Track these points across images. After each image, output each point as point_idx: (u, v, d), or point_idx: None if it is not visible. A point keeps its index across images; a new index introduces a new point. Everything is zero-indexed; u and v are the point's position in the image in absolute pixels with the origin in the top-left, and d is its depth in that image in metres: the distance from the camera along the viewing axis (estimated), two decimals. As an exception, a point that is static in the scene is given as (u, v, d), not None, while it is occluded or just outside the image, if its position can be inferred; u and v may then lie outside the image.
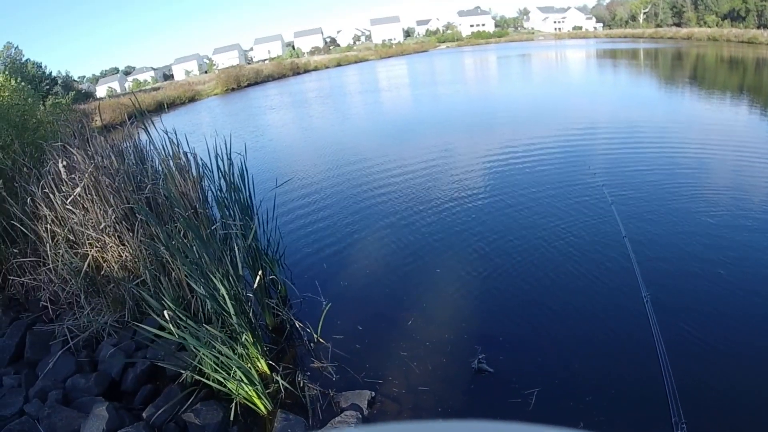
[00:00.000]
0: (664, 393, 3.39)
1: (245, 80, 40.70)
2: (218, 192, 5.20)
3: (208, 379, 3.77)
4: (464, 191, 7.99)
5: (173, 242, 4.62)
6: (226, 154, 5.29)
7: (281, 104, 26.54)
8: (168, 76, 77.92)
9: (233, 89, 38.62)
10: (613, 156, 9.27)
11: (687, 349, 3.85)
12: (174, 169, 5.96)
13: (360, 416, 3.62)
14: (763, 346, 3.78)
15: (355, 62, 56.30)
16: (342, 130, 15.98)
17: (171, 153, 6.31)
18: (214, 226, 4.93)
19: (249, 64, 65.57)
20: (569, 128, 11.84)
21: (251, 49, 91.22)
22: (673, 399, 3.30)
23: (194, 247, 4.50)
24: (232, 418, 3.65)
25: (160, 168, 6.39)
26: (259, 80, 42.28)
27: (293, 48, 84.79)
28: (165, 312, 3.78)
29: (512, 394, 3.62)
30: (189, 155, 6.11)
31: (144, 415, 3.79)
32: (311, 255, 6.23)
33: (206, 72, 68.99)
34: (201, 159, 5.83)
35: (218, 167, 5.24)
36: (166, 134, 6.22)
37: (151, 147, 6.60)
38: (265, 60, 71.85)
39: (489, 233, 6.29)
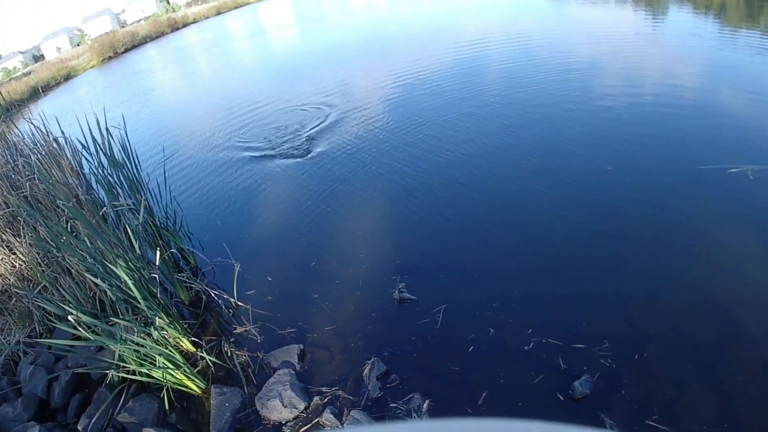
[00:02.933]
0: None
1: (121, 46, 36.98)
2: (100, 172, 4.72)
3: (135, 374, 3.60)
4: (364, 125, 7.77)
5: (63, 238, 4.23)
6: (105, 130, 4.77)
7: (162, 65, 24.45)
8: (38, 57, 69.36)
9: (110, 58, 35.01)
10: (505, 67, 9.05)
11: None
12: (48, 158, 5.36)
13: (293, 372, 3.60)
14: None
15: (236, 8, 51.66)
16: (230, 81, 14.96)
17: (42, 141, 5.65)
18: (102, 210, 4.52)
19: (123, 27, 59.19)
20: (461, 44, 11.52)
21: (123, 11, 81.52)
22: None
23: (86, 238, 4.14)
24: (167, 407, 3.55)
25: (34, 160, 5.74)
26: (136, 44, 38.44)
27: (168, 2, 76.23)
28: (69, 317, 3.52)
29: (426, 315, 3.65)
30: (61, 140, 5.49)
31: (79, 428, 3.65)
32: (214, 218, 5.96)
33: (78, 44, 61.70)
34: (77, 141, 5.26)
35: (97, 146, 4.74)
36: (31, 123, 5.55)
37: (22, 140, 5.90)
38: (140, 20, 64.87)
39: (392, 167, 6.22)
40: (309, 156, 7.10)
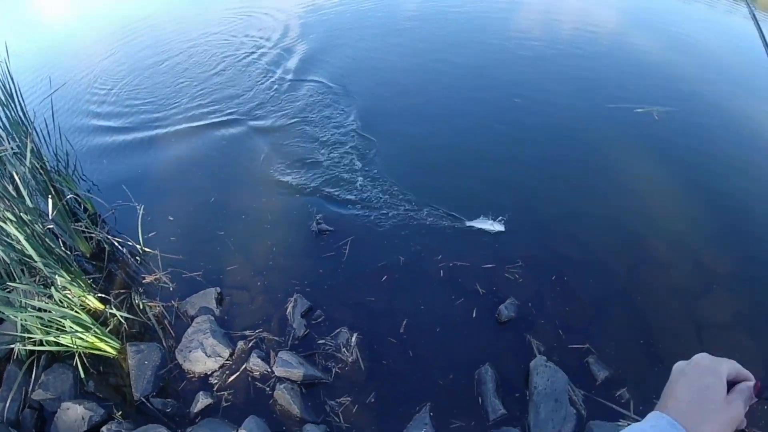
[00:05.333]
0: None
1: None
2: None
3: (42, 344, 3.30)
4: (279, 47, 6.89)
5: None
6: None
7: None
8: None
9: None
10: None
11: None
12: None
13: (213, 318, 3.44)
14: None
15: None
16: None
17: None
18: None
19: None
20: None
21: None
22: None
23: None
24: (83, 375, 3.33)
25: None
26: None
27: None
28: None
29: (345, 246, 3.47)
30: None
31: (-6, 415, 3.40)
32: (110, 156, 5.21)
33: None
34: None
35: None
36: None
37: None
38: None
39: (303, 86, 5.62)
40: (215, 82, 6.26)
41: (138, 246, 3.87)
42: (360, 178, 4.22)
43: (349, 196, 4.01)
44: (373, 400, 2.91)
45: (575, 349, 3.07)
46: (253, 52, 6.95)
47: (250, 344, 3.26)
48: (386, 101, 5.41)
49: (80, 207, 4.40)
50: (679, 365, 0.81)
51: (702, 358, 0.79)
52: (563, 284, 3.28)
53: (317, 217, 3.70)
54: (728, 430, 0.72)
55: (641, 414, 3.10)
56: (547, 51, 6.39)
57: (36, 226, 3.57)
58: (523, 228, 3.70)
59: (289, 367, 3.09)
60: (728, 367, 0.77)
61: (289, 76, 6.15)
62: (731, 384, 0.76)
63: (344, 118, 5.13)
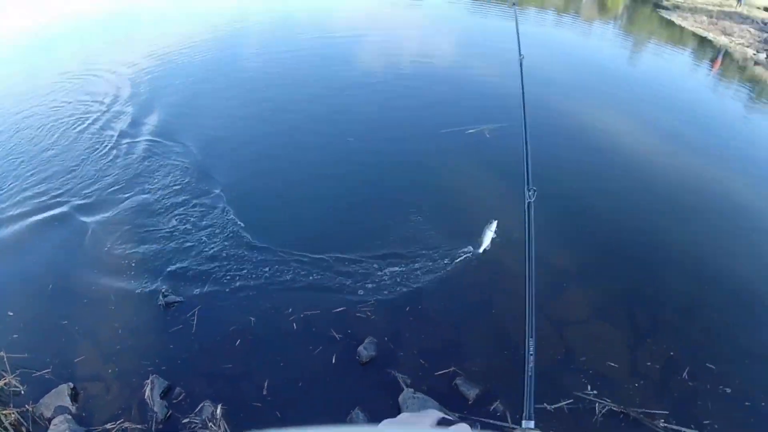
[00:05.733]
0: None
1: None
2: None
3: None
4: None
5: None
6: None
7: None
8: None
9: None
10: None
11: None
12: None
13: (69, 416, 3.19)
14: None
15: None
16: None
17: None
18: None
19: None
20: None
21: None
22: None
23: None
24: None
25: None
26: None
27: None
28: None
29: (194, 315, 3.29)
30: None
31: None
32: None
33: None
34: None
35: None
36: None
37: None
38: None
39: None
40: (45, 158, 5.66)
41: (-23, 350, 3.53)
42: (202, 240, 4.04)
43: (191, 263, 3.80)
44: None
45: (441, 374, 3.07)
46: (86, 118, 6.41)
47: (114, 438, 3.06)
48: (221, 157, 5.28)
49: None
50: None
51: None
52: (417, 313, 3.26)
53: (162, 290, 3.49)
54: None
55: (519, 421, 3.14)
56: (380, 84, 6.61)
57: None
58: (371, 261, 3.66)
59: (155, 454, 2.92)
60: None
61: (125, 141, 5.81)
62: None
63: (181, 177, 4.93)
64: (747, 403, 3.55)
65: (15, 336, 3.62)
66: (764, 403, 3.54)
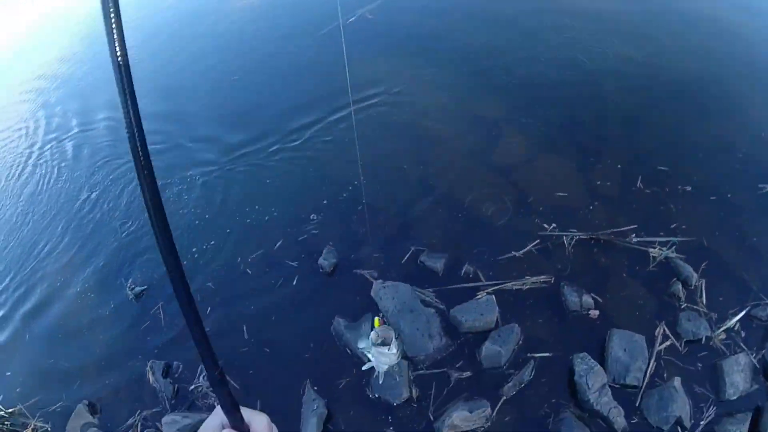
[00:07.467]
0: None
1: None
2: None
3: None
4: None
5: None
6: None
7: None
8: None
9: None
10: None
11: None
12: None
13: (95, 428, 3.37)
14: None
15: None
16: None
17: None
18: None
19: None
20: None
21: None
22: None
23: None
24: None
25: None
26: None
27: None
28: None
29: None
30: None
31: None
32: None
33: None
34: None
35: None
36: None
37: None
38: None
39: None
40: None
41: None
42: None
43: (139, 247, 3.95)
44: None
45: (405, 256, 3.16)
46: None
47: (139, 429, 3.23)
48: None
49: None
50: None
51: None
52: (362, 210, 3.35)
53: (128, 284, 3.65)
54: None
55: (491, 278, 3.22)
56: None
57: None
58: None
59: (176, 425, 3.08)
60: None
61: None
62: None
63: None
64: (713, 197, 3.54)
65: (18, 390, 3.79)
66: (730, 195, 3.53)
